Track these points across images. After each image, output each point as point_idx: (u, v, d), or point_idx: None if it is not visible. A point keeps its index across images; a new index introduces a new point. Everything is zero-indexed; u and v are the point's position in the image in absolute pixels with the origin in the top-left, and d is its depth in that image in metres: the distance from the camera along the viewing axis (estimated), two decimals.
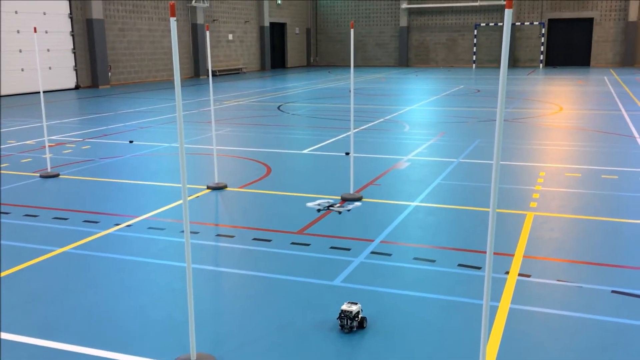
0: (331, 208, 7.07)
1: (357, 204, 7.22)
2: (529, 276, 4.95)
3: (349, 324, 4.07)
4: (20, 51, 20.87)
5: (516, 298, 4.55)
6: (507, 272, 5.02)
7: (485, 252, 5.35)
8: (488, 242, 3.42)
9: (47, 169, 8.71)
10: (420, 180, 8.27)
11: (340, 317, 4.10)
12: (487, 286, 3.47)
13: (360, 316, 4.12)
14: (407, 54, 39.49)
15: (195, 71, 30.10)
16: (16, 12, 20.69)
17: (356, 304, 4.14)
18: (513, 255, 5.41)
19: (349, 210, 6.99)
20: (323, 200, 7.39)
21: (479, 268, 5.09)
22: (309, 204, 7.20)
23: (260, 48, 35.90)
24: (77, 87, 23.30)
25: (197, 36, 29.61)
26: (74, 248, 5.65)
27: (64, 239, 5.91)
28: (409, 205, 7.02)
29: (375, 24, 40.06)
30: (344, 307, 4.10)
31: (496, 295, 4.56)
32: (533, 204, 6.99)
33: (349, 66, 39.54)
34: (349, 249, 5.58)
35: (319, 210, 7.03)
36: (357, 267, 5.17)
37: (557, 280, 4.88)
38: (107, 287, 4.81)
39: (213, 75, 30.61)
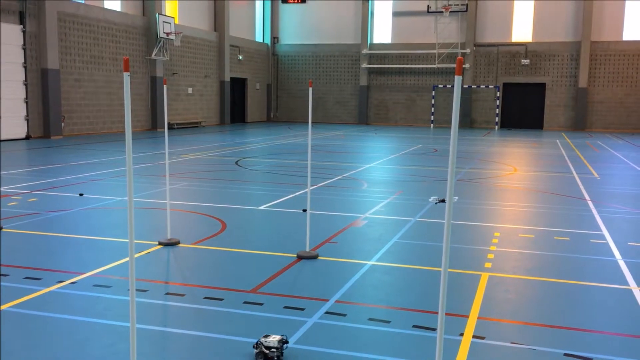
0: (443, 201, 9.54)
1: (455, 198, 10.33)
2: (483, 338, 4.89)
3: (275, 353, 4.37)
4: None
5: None
6: (462, 334, 4.95)
7: None
8: (440, 305, 3.36)
9: None
10: (377, 238, 8.23)
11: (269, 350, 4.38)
12: (439, 350, 3.39)
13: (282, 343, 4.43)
14: (366, 112, 40.20)
15: (153, 124, 29.93)
16: None
17: (269, 336, 4.47)
18: (468, 316, 5.36)
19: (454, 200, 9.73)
20: (436, 197, 10.64)
21: (434, 329, 5.01)
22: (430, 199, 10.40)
23: (220, 102, 36.06)
24: (27, 137, 22.82)
25: (155, 89, 29.59)
26: (12, 307, 5.36)
27: (2, 296, 5.59)
28: (365, 264, 6.95)
29: (335, 82, 40.83)
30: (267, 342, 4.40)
31: (450, 358, 4.47)
32: (488, 265, 7.00)
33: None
34: (303, 309, 5.44)
35: (436, 203, 9.95)
36: (310, 327, 5.03)
37: (511, 343, 4.83)
38: (46, 349, 4.54)
39: (171, 128, 30.49)
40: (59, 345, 4.62)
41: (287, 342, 4.50)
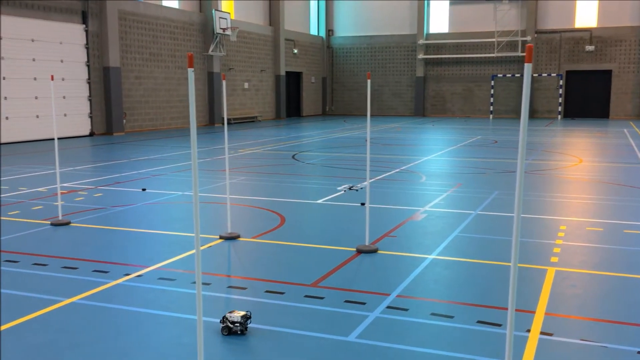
0: (351, 189, 10.53)
1: (365, 183, 11.09)
2: (551, 335, 4.74)
3: (239, 327, 4.69)
4: (37, 98, 21.20)
5: (538, 358, 4.34)
6: (529, 330, 4.81)
7: (505, 309, 5.14)
8: (510, 299, 3.26)
9: (58, 216, 8.65)
10: (437, 232, 8.10)
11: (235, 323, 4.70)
12: (509, 346, 3.30)
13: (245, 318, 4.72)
14: (423, 104, 39.71)
15: (210, 119, 30.41)
16: (34, 60, 21.11)
17: (234, 311, 4.76)
18: (534, 312, 5.20)
19: (360, 188, 10.59)
20: (346, 185, 11.18)
21: (499, 325, 4.89)
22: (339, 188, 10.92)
23: (276, 97, 36.30)
24: (91, 134, 23.56)
25: (212, 84, 30.03)
26: (82, 299, 5.52)
27: (72, 289, 5.78)
28: (425, 258, 6.85)
29: (391, 73, 40.47)
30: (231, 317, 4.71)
31: (518, 355, 4.35)
32: (554, 259, 6.78)
33: (365, 115, 39.71)
34: (364, 303, 5.40)
35: (345, 191, 10.39)
36: (372, 322, 4.99)
37: (581, 340, 4.66)
38: (114, 340, 4.66)
39: (228, 123, 30.89)
40: (127, 336, 4.73)
41: (250, 317, 4.77)
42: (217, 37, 29.55)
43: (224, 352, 4.51)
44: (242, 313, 4.74)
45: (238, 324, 4.69)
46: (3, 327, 4.88)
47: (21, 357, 4.36)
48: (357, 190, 9.77)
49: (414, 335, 4.76)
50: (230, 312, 4.76)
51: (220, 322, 4.77)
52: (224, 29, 29.52)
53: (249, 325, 4.80)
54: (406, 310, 5.25)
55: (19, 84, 20.57)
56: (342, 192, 10.00)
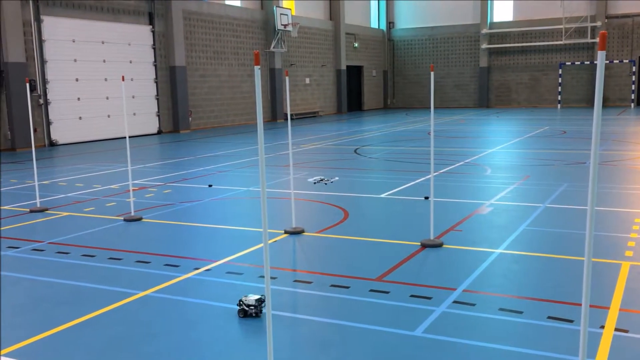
0: (322, 181, 10.94)
1: (336, 178, 11.73)
2: (626, 331, 4.59)
3: (253, 310, 5.00)
4: (107, 98, 21.98)
5: (613, 355, 4.21)
6: (602, 327, 4.66)
7: (577, 305, 5.01)
8: (583, 294, 3.18)
9: (130, 212, 8.97)
10: (504, 226, 7.94)
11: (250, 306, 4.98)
12: (583, 342, 3.22)
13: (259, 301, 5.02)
14: (487, 95, 38.88)
15: (273, 115, 30.74)
16: (104, 61, 21.87)
17: (249, 295, 5.06)
18: (608, 308, 5.04)
19: (331, 181, 11.08)
20: (317, 177, 11.40)
21: (571, 321, 4.76)
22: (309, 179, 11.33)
23: (337, 91, 36.34)
24: (159, 132, 24.23)
25: (274, 80, 30.34)
26: (155, 292, 5.72)
27: (145, 282, 6.00)
28: (492, 252, 6.73)
29: (454, 65, 39.80)
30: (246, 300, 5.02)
31: (591, 352, 4.24)
32: (629, 253, 6.54)
33: (427, 108, 39.28)
34: (430, 298, 5.36)
35: (315, 183, 10.73)
36: (439, 317, 4.95)
37: None
38: (186, 332, 4.80)
39: (290, 118, 31.14)
40: (198, 328, 4.87)
41: (264, 300, 5.04)
42: (278, 33, 29.82)
43: (295, 345, 4.58)
44: (257, 297, 5.05)
45: (253, 307, 4.99)
46: (82, 319, 5.12)
47: (99, 348, 4.56)
48: (325, 183, 10.27)
49: (482, 331, 4.69)
50: (245, 297, 5.06)
51: (238, 305, 5.09)
52: (285, 25, 29.76)
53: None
54: (473, 305, 5.19)
55: (91, 85, 21.38)
56: (313, 182, 10.71)
